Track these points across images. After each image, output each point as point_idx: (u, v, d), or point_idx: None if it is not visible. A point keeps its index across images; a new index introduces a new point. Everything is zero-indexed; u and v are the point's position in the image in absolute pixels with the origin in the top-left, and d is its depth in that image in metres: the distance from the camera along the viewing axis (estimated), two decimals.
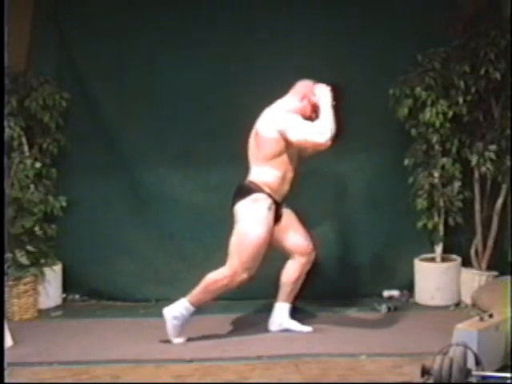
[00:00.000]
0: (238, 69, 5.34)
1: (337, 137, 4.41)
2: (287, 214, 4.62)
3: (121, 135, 5.49)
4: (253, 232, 4.39)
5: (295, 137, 4.40)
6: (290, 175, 4.52)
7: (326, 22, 5.31)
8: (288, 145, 4.43)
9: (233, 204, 4.50)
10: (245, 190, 4.48)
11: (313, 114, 4.54)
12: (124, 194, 5.51)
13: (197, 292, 4.46)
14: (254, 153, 4.54)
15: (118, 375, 3.94)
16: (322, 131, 4.37)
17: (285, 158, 4.46)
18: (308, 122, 4.44)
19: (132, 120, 5.47)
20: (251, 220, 4.41)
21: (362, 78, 5.29)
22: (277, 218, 4.53)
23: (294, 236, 4.61)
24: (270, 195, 4.46)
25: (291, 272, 4.60)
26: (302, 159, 4.59)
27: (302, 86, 4.62)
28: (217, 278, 4.44)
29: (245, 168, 4.59)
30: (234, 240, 4.44)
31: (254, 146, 4.55)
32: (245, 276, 4.41)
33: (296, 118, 4.46)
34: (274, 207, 4.48)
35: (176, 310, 4.45)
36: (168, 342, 4.44)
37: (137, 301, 5.42)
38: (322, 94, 4.51)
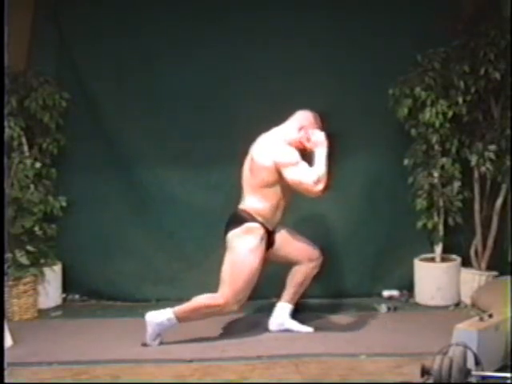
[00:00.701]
0: (237, 69, 5.36)
1: (327, 187, 4.39)
2: (283, 231, 4.62)
3: (121, 135, 5.49)
4: (246, 263, 4.40)
5: (290, 176, 4.37)
6: (282, 204, 4.51)
7: (325, 21, 5.31)
8: (281, 176, 4.41)
9: (225, 232, 4.50)
10: (238, 219, 4.48)
11: (308, 146, 4.51)
12: (124, 194, 5.51)
13: (185, 309, 4.46)
14: (248, 180, 4.52)
15: (117, 375, 3.94)
16: (317, 180, 4.34)
17: (278, 187, 4.44)
18: (305, 165, 4.40)
19: (132, 120, 5.47)
20: (244, 251, 4.41)
21: (361, 78, 5.30)
22: (269, 244, 4.54)
23: (299, 245, 4.62)
24: (262, 224, 4.46)
25: (298, 275, 4.62)
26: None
27: (301, 116, 4.59)
28: (209, 303, 4.43)
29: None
30: (226, 269, 4.44)
31: (248, 173, 4.53)
32: (235, 308, 4.44)
33: (294, 156, 4.42)
34: (266, 236, 4.48)
35: (159, 318, 4.44)
36: (168, 342, 4.44)
37: (137, 301, 5.41)
38: (319, 142, 4.46)
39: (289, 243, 4.62)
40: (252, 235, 4.43)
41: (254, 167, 4.47)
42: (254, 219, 4.45)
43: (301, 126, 4.54)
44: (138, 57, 5.42)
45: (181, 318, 4.44)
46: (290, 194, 4.51)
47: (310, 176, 4.35)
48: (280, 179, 4.41)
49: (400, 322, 4.85)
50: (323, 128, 4.59)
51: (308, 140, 4.50)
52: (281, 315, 4.65)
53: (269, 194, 4.45)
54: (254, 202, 4.47)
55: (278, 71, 5.32)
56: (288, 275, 4.65)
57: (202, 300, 4.47)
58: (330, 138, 4.49)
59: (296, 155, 4.43)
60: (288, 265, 4.64)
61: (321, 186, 4.35)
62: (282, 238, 4.61)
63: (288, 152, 4.44)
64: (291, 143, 4.49)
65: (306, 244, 4.66)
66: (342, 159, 5.31)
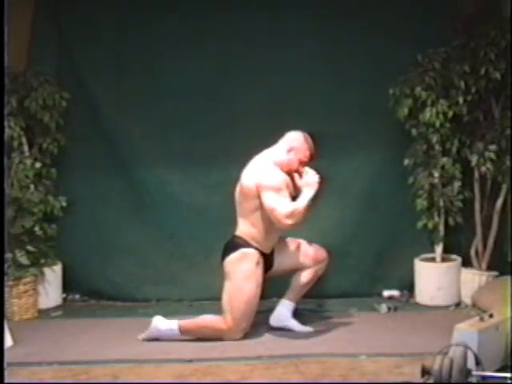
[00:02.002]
0: (237, 69, 5.36)
1: (297, 224, 4.37)
2: (283, 246, 4.61)
3: (121, 135, 5.49)
4: (243, 292, 4.41)
5: (266, 200, 4.32)
6: (275, 227, 4.46)
7: (325, 21, 5.31)
8: None
9: (222, 259, 4.51)
10: (232, 245, 4.48)
11: (300, 166, 4.49)
12: (124, 194, 5.51)
13: (190, 324, 4.48)
14: (239, 205, 4.52)
15: (117, 375, 3.94)
16: (289, 214, 4.29)
17: (265, 212, 4.39)
18: (285, 194, 4.36)
19: (132, 120, 5.47)
20: (241, 278, 4.41)
21: (362, 78, 5.30)
22: (267, 266, 4.54)
23: (303, 252, 4.61)
24: (257, 249, 4.46)
25: (305, 275, 4.61)
26: None
27: (291, 138, 4.54)
28: (212, 324, 4.45)
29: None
30: (225, 298, 4.46)
31: (238, 197, 4.53)
32: (238, 336, 4.45)
33: (277, 181, 4.37)
34: (262, 260, 4.47)
35: (163, 326, 4.47)
36: (168, 342, 4.45)
37: (136, 301, 5.41)
38: (310, 183, 4.41)
39: (292, 254, 4.61)
40: (247, 261, 4.43)
41: (242, 191, 4.46)
42: (248, 244, 4.45)
43: (290, 147, 4.50)
44: (138, 57, 5.42)
45: (183, 331, 4.46)
46: None
47: (285, 207, 4.29)
48: None
49: (400, 322, 4.84)
50: (314, 148, 4.56)
51: (300, 162, 4.47)
52: (283, 312, 4.64)
53: (259, 219, 4.43)
54: (246, 227, 4.47)
55: (278, 71, 5.32)
56: (294, 274, 4.64)
57: (207, 319, 4.49)
58: (321, 180, 4.45)
59: (280, 181, 4.39)
60: (298, 271, 4.64)
61: (290, 222, 4.30)
62: (284, 252, 4.61)
63: (272, 176, 4.40)
64: (281, 165, 4.47)
65: (311, 247, 4.65)
66: (342, 159, 5.34)
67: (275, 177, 4.41)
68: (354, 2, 5.30)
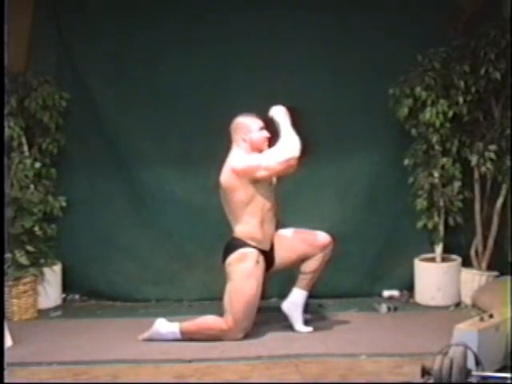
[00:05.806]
0: (238, 68, 5.36)
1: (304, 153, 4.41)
2: (284, 238, 4.61)
3: (121, 135, 5.50)
4: (243, 292, 4.40)
5: (271, 166, 4.37)
6: (267, 218, 4.48)
7: (325, 22, 5.31)
8: (251, 189, 4.40)
9: (223, 261, 4.51)
10: (231, 247, 4.49)
11: (266, 136, 4.54)
12: (124, 194, 5.51)
13: (190, 325, 4.50)
14: (226, 205, 4.52)
15: (117, 375, 3.94)
16: (291, 146, 4.35)
17: (254, 202, 4.42)
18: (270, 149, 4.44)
19: (132, 120, 5.47)
20: (240, 279, 4.41)
21: (362, 78, 5.31)
22: (269, 264, 4.53)
23: (308, 241, 4.60)
24: (255, 247, 4.46)
25: (311, 263, 4.58)
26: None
27: (235, 127, 4.58)
28: (213, 325, 4.46)
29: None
30: (226, 298, 4.47)
31: (223, 198, 4.53)
32: (239, 336, 4.45)
33: (254, 157, 4.45)
34: (262, 258, 4.46)
35: (164, 329, 4.48)
36: (168, 341, 4.44)
37: (136, 301, 5.42)
38: (279, 115, 4.49)
39: (294, 247, 4.60)
40: (247, 261, 4.42)
41: (225, 191, 4.47)
42: (246, 244, 4.45)
43: (244, 131, 4.53)
44: (138, 57, 5.43)
45: (184, 334, 4.47)
46: (270, 206, 4.49)
47: (283, 147, 4.37)
48: (251, 193, 4.40)
49: (400, 322, 4.84)
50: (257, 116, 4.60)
51: (261, 129, 4.52)
52: (295, 301, 4.62)
53: (249, 213, 4.43)
54: (240, 227, 4.47)
55: (278, 71, 5.32)
56: (302, 264, 4.61)
57: (207, 320, 4.50)
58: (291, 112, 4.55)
59: (255, 156, 4.45)
60: (305, 260, 4.62)
61: (298, 145, 4.37)
62: (285, 246, 4.60)
63: (250, 157, 4.43)
64: (253, 152, 4.49)
65: (312, 235, 4.63)
66: (342, 159, 5.34)
67: (253, 157, 4.45)
68: (354, 2, 5.30)
